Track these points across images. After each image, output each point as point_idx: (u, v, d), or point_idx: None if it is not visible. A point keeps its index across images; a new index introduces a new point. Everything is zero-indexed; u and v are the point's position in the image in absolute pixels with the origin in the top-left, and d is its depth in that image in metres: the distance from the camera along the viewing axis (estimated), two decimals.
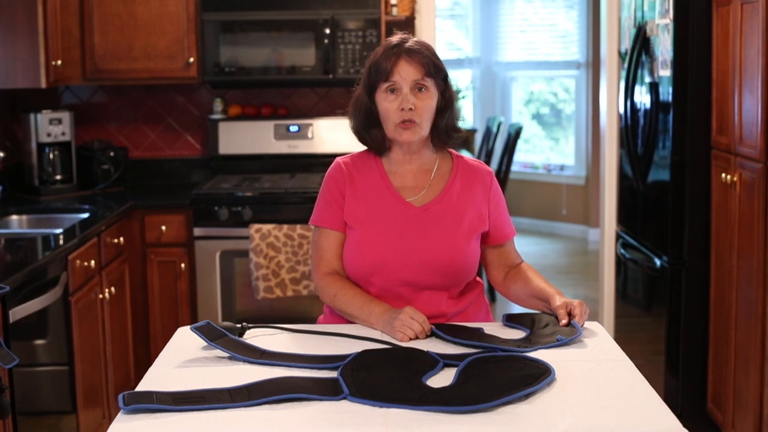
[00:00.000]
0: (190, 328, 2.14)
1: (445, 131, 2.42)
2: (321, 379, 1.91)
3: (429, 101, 2.35)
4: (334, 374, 1.94)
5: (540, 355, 2.05)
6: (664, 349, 4.06)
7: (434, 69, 2.35)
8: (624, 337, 4.78)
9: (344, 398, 1.82)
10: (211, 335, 2.12)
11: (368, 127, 2.42)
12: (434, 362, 1.99)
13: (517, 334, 2.26)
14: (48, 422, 3.42)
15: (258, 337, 2.23)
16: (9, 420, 2.77)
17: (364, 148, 2.49)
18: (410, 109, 2.32)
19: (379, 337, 2.20)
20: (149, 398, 1.78)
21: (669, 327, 4.02)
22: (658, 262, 4.11)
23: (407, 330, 2.19)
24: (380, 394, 1.81)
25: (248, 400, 1.79)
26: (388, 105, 2.35)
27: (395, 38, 2.39)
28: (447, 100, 2.41)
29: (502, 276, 2.52)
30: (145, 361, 4.32)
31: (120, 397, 1.78)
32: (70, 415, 3.49)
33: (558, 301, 2.30)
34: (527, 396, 1.81)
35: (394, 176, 2.43)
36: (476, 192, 2.44)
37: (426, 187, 2.43)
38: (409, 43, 2.36)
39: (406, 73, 2.32)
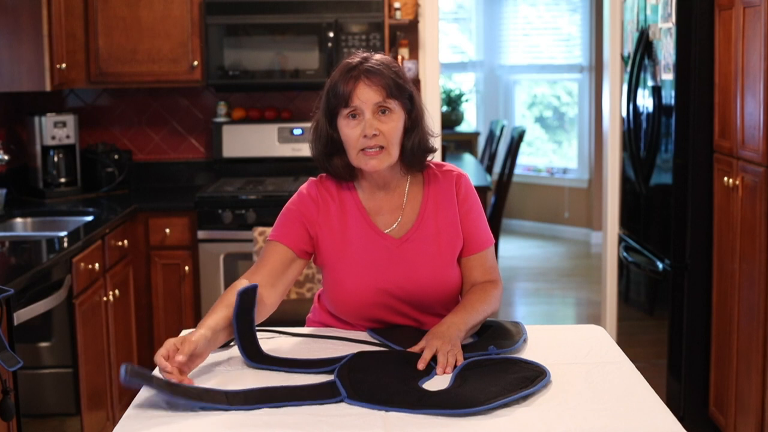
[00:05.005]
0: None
1: (413, 153, 2.25)
2: (318, 382, 1.91)
3: (394, 123, 2.20)
4: (330, 377, 1.94)
5: (537, 357, 2.05)
6: (667, 352, 4.06)
7: (396, 89, 2.19)
8: (626, 340, 4.79)
9: (342, 401, 1.83)
10: None
11: (329, 156, 2.26)
12: (429, 366, 1.99)
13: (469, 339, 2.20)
14: (52, 424, 3.43)
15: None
16: (13, 422, 2.79)
17: None
18: (374, 135, 2.17)
19: (374, 340, 2.21)
20: (149, 380, 1.82)
21: (671, 330, 4.02)
22: (660, 265, 4.12)
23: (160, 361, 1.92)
24: (378, 397, 1.81)
25: (244, 404, 1.80)
26: (350, 131, 2.18)
27: (354, 59, 2.22)
28: (414, 120, 2.25)
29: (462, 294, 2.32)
30: (149, 363, 4.31)
31: (122, 367, 1.79)
32: (74, 418, 3.50)
33: (427, 337, 2.08)
34: (525, 398, 1.82)
35: (369, 203, 2.29)
36: (449, 206, 2.29)
37: (400, 213, 2.28)
38: (368, 63, 2.19)
39: (366, 96, 2.16)
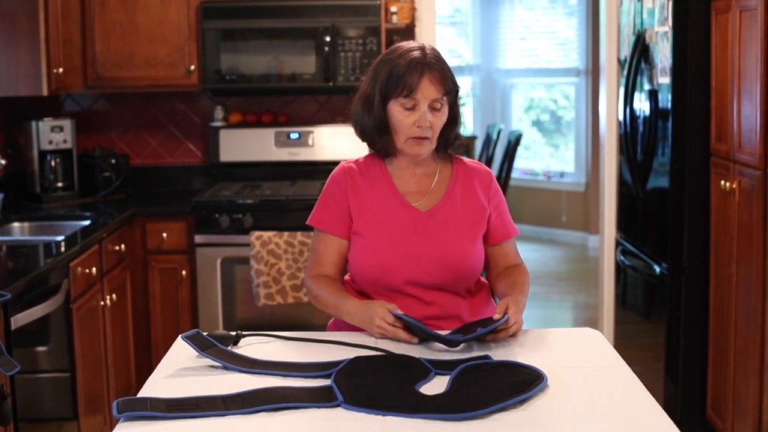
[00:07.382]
0: (182, 337, 2.14)
1: (451, 143, 2.46)
2: (315, 386, 1.91)
3: (443, 118, 2.36)
4: (327, 381, 1.94)
5: (534, 361, 2.05)
6: (664, 356, 4.06)
7: (452, 87, 2.36)
8: (624, 343, 4.79)
9: (338, 405, 1.82)
10: (202, 345, 2.12)
11: (380, 133, 2.38)
12: (426, 371, 1.99)
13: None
14: (49, 429, 3.43)
15: (253, 345, 2.23)
16: (11, 427, 2.78)
17: (366, 151, 2.49)
18: (427, 127, 2.33)
19: (371, 344, 2.21)
20: (143, 405, 1.79)
21: (668, 333, 4.03)
22: (657, 268, 4.12)
23: (384, 332, 2.24)
24: (375, 402, 1.81)
25: (242, 408, 1.80)
26: (403, 119, 2.33)
27: (415, 50, 2.34)
28: (455, 113, 2.41)
29: (496, 275, 2.52)
30: (146, 368, 4.33)
31: (114, 404, 1.79)
32: (71, 422, 3.50)
33: (503, 302, 2.28)
34: (521, 402, 1.82)
35: (399, 181, 2.44)
36: (477, 193, 2.45)
37: (429, 191, 2.44)
38: (429, 57, 2.33)
39: (428, 92, 2.31)
